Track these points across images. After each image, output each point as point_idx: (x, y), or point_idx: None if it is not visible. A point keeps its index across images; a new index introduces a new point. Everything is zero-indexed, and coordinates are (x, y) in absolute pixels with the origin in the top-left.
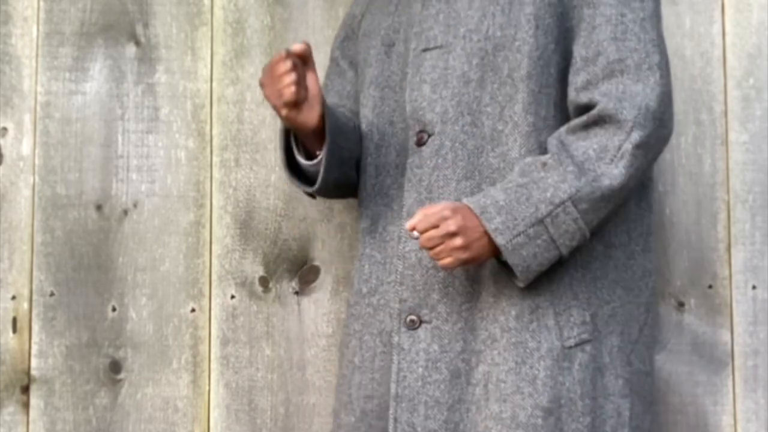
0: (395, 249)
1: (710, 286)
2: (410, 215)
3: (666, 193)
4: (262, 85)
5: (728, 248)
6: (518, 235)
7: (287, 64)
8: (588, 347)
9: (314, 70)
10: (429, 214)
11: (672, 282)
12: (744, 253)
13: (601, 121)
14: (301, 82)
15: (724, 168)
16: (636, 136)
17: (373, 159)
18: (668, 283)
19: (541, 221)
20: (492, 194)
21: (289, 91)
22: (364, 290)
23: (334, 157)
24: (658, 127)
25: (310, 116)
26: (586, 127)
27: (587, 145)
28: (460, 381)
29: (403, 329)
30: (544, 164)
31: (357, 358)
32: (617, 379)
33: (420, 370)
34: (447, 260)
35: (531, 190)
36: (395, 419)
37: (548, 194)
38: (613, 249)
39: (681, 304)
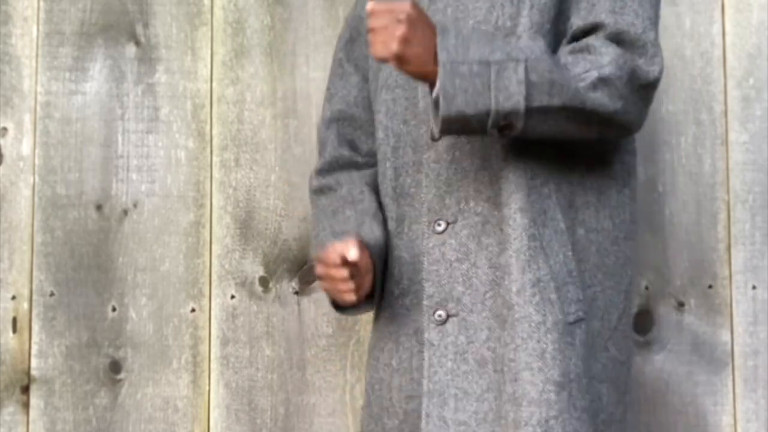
0: (420, 247)
1: (710, 286)
2: (431, 211)
3: (666, 193)
4: (318, 277)
5: (728, 248)
6: (463, 63)
7: (343, 273)
8: (583, 325)
9: (365, 249)
10: (393, 4)
11: (672, 282)
12: (744, 253)
13: (585, 49)
14: (354, 275)
15: (724, 168)
16: (608, 70)
17: (391, 163)
18: (668, 283)
19: (488, 63)
20: (460, 26)
21: (350, 298)
22: (396, 292)
23: (381, 280)
24: (633, 91)
25: (364, 295)
26: (572, 50)
27: (566, 56)
28: (487, 369)
29: (432, 325)
30: (519, 37)
31: (395, 361)
32: (596, 363)
33: (449, 363)
34: (379, 45)
35: (497, 39)
36: (427, 414)
37: (508, 48)
38: (594, 233)
39: (681, 304)
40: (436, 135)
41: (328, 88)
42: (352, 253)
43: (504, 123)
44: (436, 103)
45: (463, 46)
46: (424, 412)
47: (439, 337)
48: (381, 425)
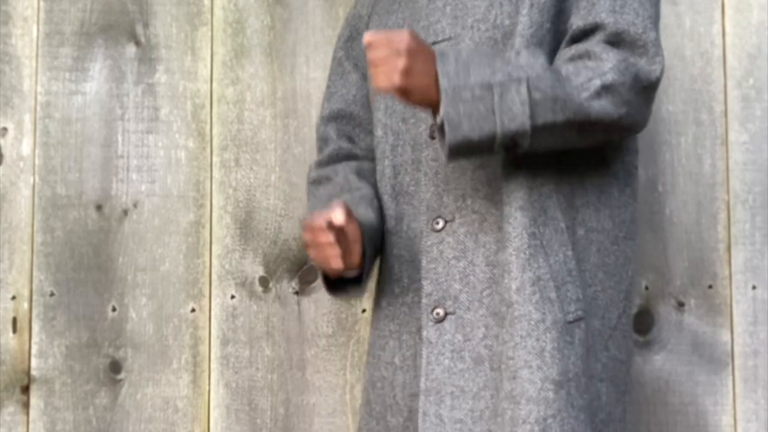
0: (419, 245)
1: (710, 286)
2: (430, 209)
3: (666, 193)
4: (305, 246)
5: (728, 248)
6: (464, 87)
7: (330, 238)
8: (583, 325)
9: (354, 219)
10: (391, 35)
11: (672, 282)
12: (744, 253)
13: (585, 55)
14: (347, 250)
15: (724, 168)
16: (610, 77)
17: (390, 161)
18: (668, 283)
19: (490, 86)
20: (459, 48)
21: (336, 263)
22: (396, 290)
23: (372, 260)
24: (637, 94)
25: (352, 262)
26: (571, 58)
27: (564, 64)
28: (483, 367)
29: (430, 323)
30: (518, 53)
31: (397, 359)
32: (596, 362)
33: (446, 361)
34: (381, 77)
35: (496, 60)
36: (424, 412)
37: (509, 68)
38: (594, 233)
39: (681, 304)
40: (445, 160)
41: (328, 87)
42: (338, 216)
43: (511, 143)
44: (441, 128)
45: (464, 70)
46: (420, 410)
47: (437, 334)
48: (384, 423)
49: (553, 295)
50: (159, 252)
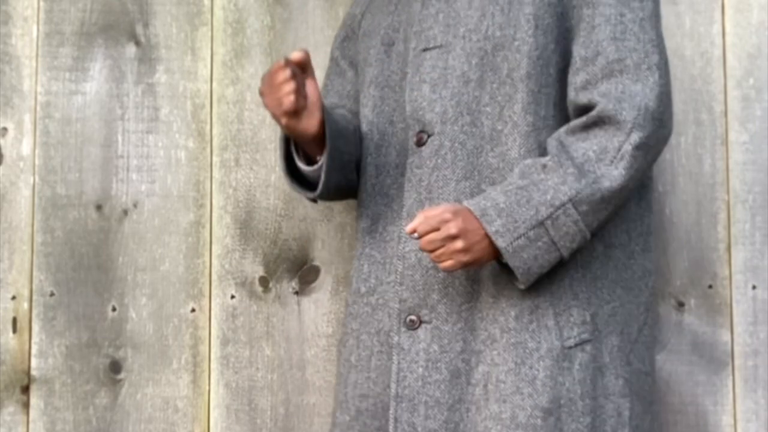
0: (395, 249)
1: (710, 286)
2: (410, 215)
3: (666, 193)
4: (261, 94)
5: (728, 248)
6: (519, 237)
7: (286, 73)
8: (588, 347)
9: (313, 77)
10: (430, 217)
11: (672, 282)
12: (744, 253)
13: (600, 122)
14: (300, 90)
15: (724, 168)
16: (636, 137)
17: (373, 159)
18: (668, 283)
19: (541, 223)
20: (492, 196)
21: (289, 100)
22: (363, 290)
23: (334, 162)
24: (658, 128)
25: (310, 123)
26: (586, 128)
27: (587, 146)
28: (460, 381)
29: (403, 329)
30: (544, 166)
31: (353, 357)
32: (617, 378)
33: (420, 370)
34: (448, 263)
35: (531, 192)
36: (396, 419)
37: (548, 196)
38: (612, 249)
39: (681, 304)
40: (522, 287)
41: (325, 85)
42: (296, 53)
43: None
44: (504, 265)
45: (510, 221)
46: (392, 417)
47: (409, 342)
48: (333, 419)
49: (550, 322)
50: (159, 252)
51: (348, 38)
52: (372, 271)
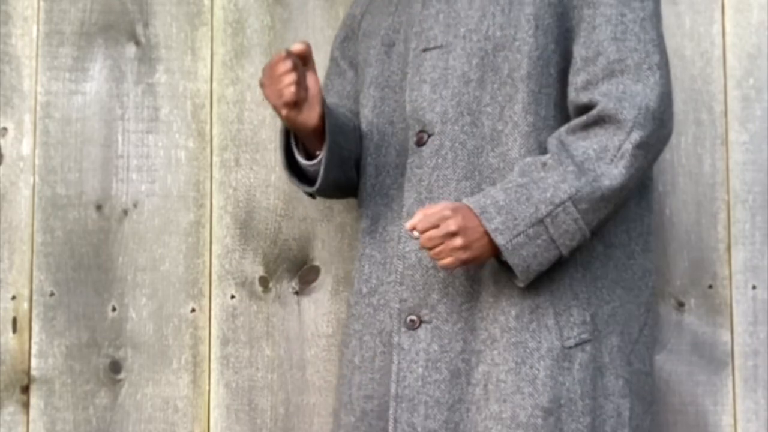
0: (395, 249)
1: (710, 286)
2: (410, 215)
3: (666, 193)
4: (262, 85)
5: (728, 248)
6: (518, 235)
7: (287, 64)
8: (588, 347)
9: (314, 70)
10: (429, 214)
11: (672, 282)
12: (744, 253)
13: (601, 121)
14: (301, 82)
15: (724, 168)
16: (636, 136)
17: (373, 159)
18: (668, 283)
19: (541, 221)
20: (492, 194)
21: (289, 92)
22: (364, 290)
23: (334, 157)
24: (659, 127)
25: (310, 116)
26: (586, 127)
27: (587, 145)
28: (460, 381)
29: (403, 329)
30: (544, 164)
31: (357, 358)
32: (617, 378)
33: (420, 370)
34: (447, 260)
35: (531, 190)
36: (395, 419)
37: (548, 194)
38: (612, 249)
39: (681, 304)
40: (521, 285)
41: (325, 85)
42: (297, 45)
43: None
44: (504, 263)
45: (510, 218)
46: (391, 417)
47: (410, 342)
48: (338, 421)
49: (551, 322)
50: (159, 252)
51: (348, 38)
52: (373, 272)
